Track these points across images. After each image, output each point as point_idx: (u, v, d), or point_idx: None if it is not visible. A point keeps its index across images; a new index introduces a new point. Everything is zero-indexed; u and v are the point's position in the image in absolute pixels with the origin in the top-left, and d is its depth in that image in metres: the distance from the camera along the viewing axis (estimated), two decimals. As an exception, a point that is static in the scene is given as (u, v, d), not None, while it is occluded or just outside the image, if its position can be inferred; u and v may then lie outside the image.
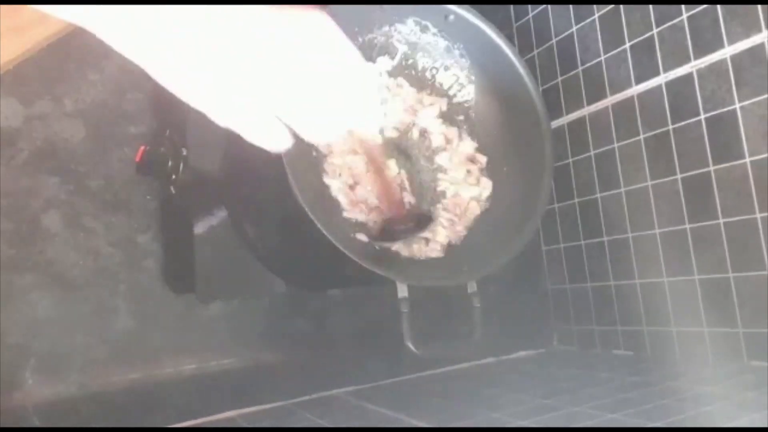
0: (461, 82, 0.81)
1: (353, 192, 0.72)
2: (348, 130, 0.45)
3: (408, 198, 0.74)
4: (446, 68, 0.80)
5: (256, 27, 0.37)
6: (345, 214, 0.70)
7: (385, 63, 0.76)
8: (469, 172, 0.78)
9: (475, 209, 0.77)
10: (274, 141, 0.41)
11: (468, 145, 0.80)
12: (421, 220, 0.72)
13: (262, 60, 0.37)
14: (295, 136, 0.41)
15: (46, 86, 0.88)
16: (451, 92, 0.81)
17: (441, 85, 0.81)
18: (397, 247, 0.71)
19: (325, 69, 0.40)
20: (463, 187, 0.77)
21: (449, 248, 0.74)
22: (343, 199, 0.71)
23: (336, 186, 0.71)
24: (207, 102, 0.38)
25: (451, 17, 0.75)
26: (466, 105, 0.81)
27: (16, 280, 0.83)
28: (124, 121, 0.92)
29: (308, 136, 0.42)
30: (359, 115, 0.44)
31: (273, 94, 0.39)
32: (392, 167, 0.73)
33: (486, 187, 0.78)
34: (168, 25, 0.35)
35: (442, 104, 0.80)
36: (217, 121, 0.39)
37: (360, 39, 0.73)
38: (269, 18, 0.37)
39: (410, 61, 0.79)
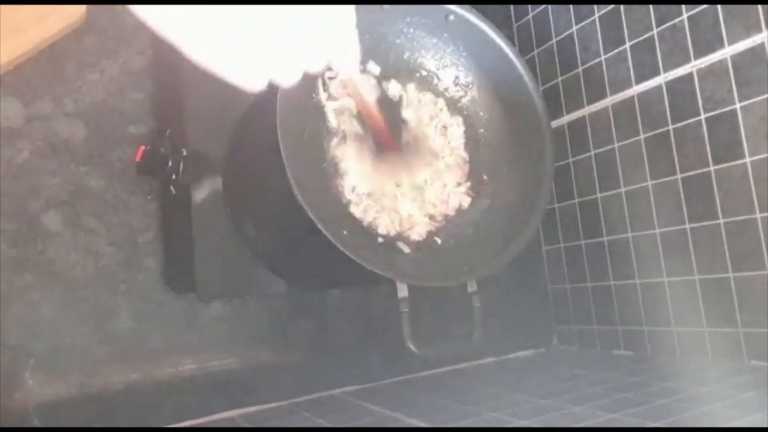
0: (461, 82, 0.81)
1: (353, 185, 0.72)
2: (327, 62, 0.46)
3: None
4: (446, 68, 0.80)
5: None
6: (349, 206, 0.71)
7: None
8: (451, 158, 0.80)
9: (456, 201, 0.78)
10: (250, 78, 0.41)
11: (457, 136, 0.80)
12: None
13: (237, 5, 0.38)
14: (272, 74, 0.42)
15: (46, 86, 0.88)
16: (450, 92, 0.81)
17: (441, 84, 0.81)
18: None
19: (298, 5, 0.40)
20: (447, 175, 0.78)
21: (433, 245, 0.75)
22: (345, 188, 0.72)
23: (338, 180, 0.72)
24: (182, 37, 0.38)
25: (452, 17, 0.75)
26: (465, 105, 0.81)
27: (16, 280, 0.83)
28: (124, 121, 0.92)
29: (285, 72, 0.42)
30: (336, 48, 0.45)
31: (248, 32, 0.39)
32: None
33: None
34: None
35: (441, 104, 0.80)
36: (192, 57, 0.39)
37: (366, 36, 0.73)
38: None
39: (410, 60, 0.79)
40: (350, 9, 0.45)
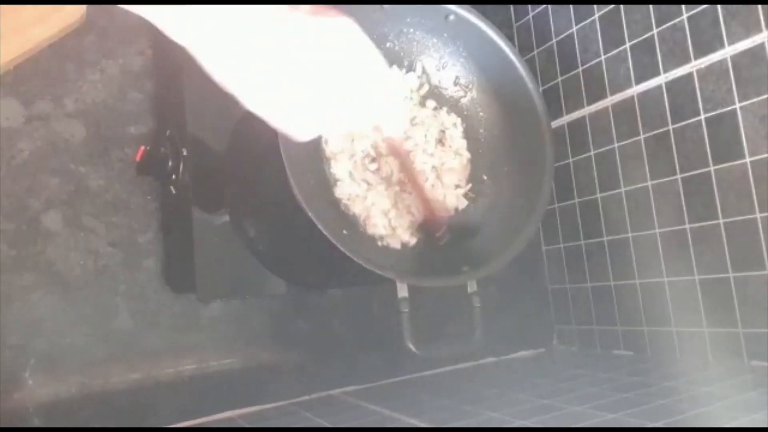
0: (461, 82, 0.81)
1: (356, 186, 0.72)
2: (373, 125, 0.48)
3: None
4: (446, 68, 0.80)
5: (288, 31, 0.39)
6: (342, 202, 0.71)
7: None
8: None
9: (453, 202, 0.78)
10: (300, 130, 0.42)
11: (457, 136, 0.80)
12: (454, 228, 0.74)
13: (294, 59, 0.39)
14: (321, 128, 0.43)
15: (46, 86, 0.88)
16: (450, 92, 0.81)
17: (440, 84, 0.81)
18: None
19: (352, 69, 0.42)
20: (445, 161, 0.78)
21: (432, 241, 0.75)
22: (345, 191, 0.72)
23: (339, 184, 0.71)
24: (240, 87, 0.40)
25: (451, 17, 0.75)
26: (465, 105, 0.81)
27: (16, 280, 0.83)
28: (124, 121, 0.92)
29: (333, 128, 0.44)
30: (383, 112, 0.47)
31: (302, 88, 0.40)
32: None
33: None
34: (213, 18, 0.37)
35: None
36: (246, 105, 0.40)
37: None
38: (300, 22, 0.39)
39: (410, 61, 0.79)
40: (404, 78, 0.46)
